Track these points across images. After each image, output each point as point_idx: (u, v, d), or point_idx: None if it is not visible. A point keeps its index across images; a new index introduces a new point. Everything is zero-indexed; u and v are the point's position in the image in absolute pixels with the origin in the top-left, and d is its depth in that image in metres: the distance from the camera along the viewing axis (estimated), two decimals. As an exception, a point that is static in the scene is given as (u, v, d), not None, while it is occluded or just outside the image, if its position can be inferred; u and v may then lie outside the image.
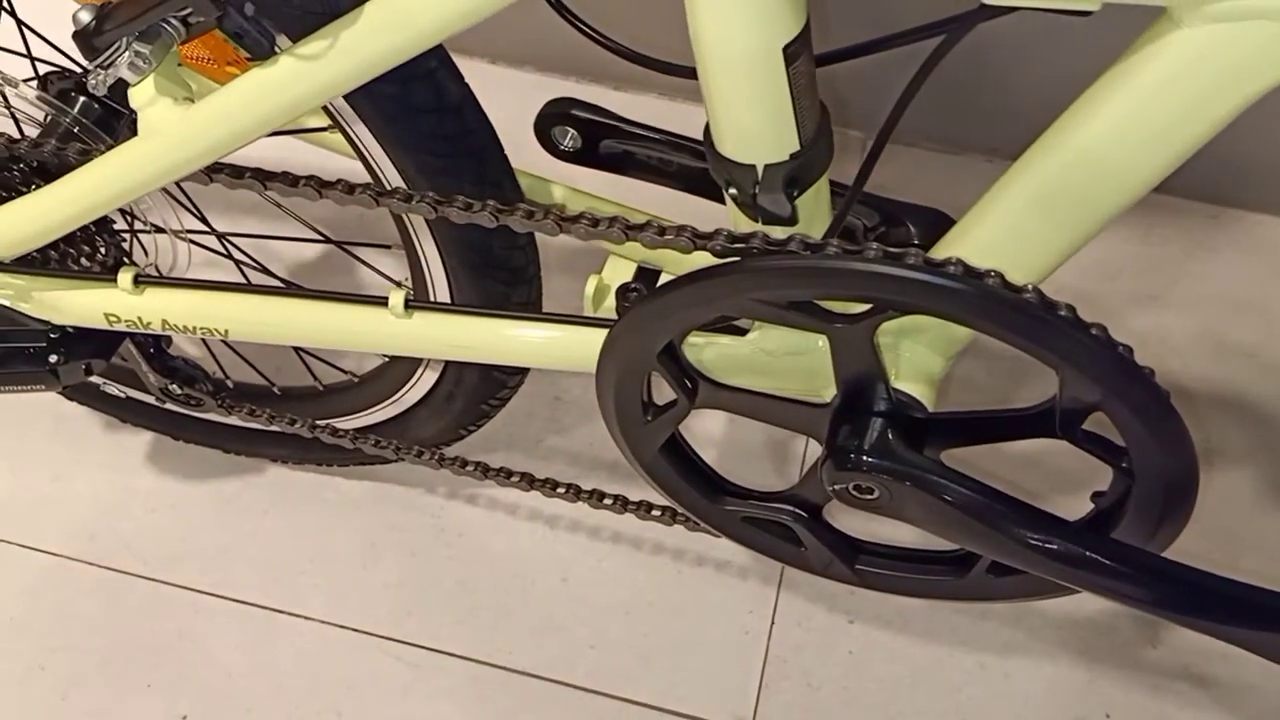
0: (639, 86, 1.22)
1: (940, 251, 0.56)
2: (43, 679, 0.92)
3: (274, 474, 1.01)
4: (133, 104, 0.57)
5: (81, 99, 0.76)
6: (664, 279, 0.72)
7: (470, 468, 0.82)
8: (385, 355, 0.85)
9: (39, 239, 0.65)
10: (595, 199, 0.73)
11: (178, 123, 0.56)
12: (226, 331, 0.68)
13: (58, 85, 0.76)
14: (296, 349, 0.89)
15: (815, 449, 1.01)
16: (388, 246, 0.75)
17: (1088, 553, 0.57)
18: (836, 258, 0.51)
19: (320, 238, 0.81)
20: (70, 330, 0.76)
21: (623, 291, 0.71)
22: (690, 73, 0.65)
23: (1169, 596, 0.56)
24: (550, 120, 0.74)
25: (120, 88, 0.77)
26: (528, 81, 1.25)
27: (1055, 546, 0.57)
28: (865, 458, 0.59)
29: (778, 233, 0.54)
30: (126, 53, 0.54)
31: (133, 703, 0.91)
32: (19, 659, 0.93)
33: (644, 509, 0.79)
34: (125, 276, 0.67)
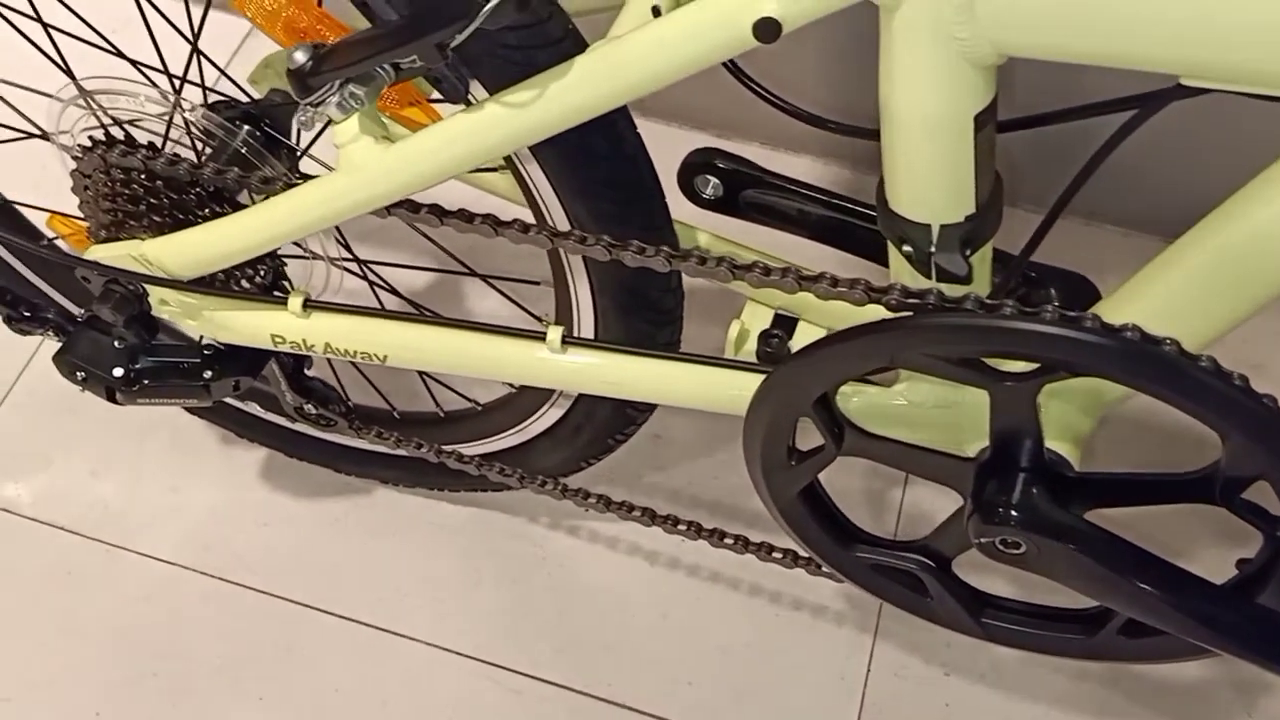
0: (751, 137, 1.23)
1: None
2: (155, 685, 0.94)
3: (381, 495, 1.03)
4: (336, 141, 0.60)
5: (245, 128, 0.79)
6: (802, 327, 0.74)
7: (593, 500, 0.84)
8: (513, 386, 0.87)
9: (224, 262, 0.68)
10: (736, 245, 0.75)
11: (378, 160, 0.59)
12: (385, 357, 0.71)
13: (223, 113, 0.80)
14: (422, 375, 0.92)
15: (914, 498, 1.03)
16: (536, 283, 0.78)
17: (1238, 617, 0.58)
18: (1015, 318, 0.52)
19: (466, 270, 0.83)
20: (222, 348, 0.79)
21: (764, 337, 0.73)
22: (859, 132, 0.68)
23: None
24: (694, 170, 0.77)
25: (284, 118, 0.82)
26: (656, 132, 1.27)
27: (1205, 610, 0.58)
28: (1015, 513, 0.60)
29: (952, 290, 0.56)
30: (338, 94, 0.57)
31: (242, 714, 0.93)
32: (133, 664, 0.95)
33: (764, 550, 0.81)
34: (295, 301, 0.70)
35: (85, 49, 0.77)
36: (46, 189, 0.89)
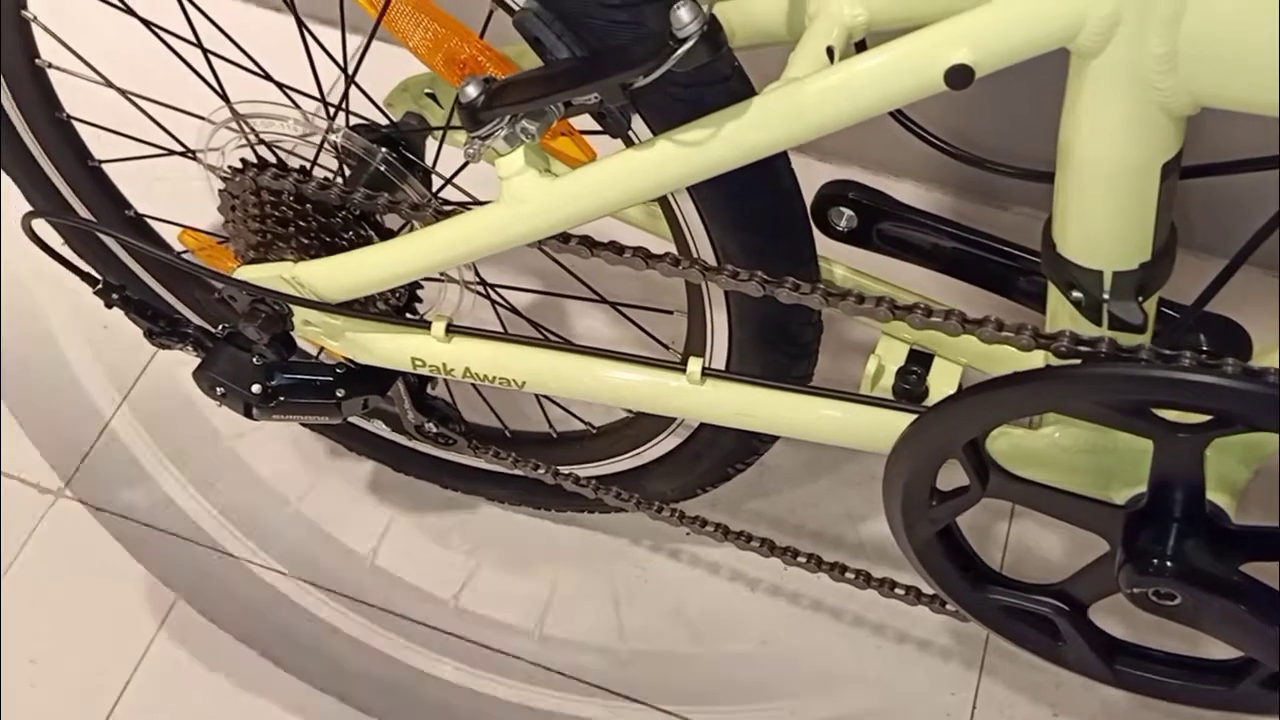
0: (851, 161, 1.23)
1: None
2: (268, 695, 0.95)
3: (486, 512, 1.04)
4: (500, 173, 0.60)
5: (382, 150, 0.80)
6: (938, 363, 0.74)
7: (710, 527, 0.84)
8: (629, 411, 0.88)
9: (376, 287, 0.69)
10: (874, 280, 0.75)
11: (543, 193, 0.60)
12: (524, 383, 0.71)
13: (364, 135, 0.81)
14: (538, 396, 0.92)
15: (1019, 535, 1.02)
16: (670, 312, 0.78)
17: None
18: (1196, 370, 0.52)
19: (596, 297, 0.84)
20: (354, 366, 0.80)
21: (902, 374, 0.72)
22: (1029, 175, 0.67)
23: None
24: (829, 201, 0.77)
25: (418, 141, 0.83)
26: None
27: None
28: (1172, 564, 0.59)
29: (1125, 339, 0.55)
30: (508, 128, 0.57)
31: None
32: (245, 673, 0.96)
33: (887, 586, 0.80)
34: (438, 325, 0.71)
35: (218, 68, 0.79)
36: (161, 202, 0.91)
